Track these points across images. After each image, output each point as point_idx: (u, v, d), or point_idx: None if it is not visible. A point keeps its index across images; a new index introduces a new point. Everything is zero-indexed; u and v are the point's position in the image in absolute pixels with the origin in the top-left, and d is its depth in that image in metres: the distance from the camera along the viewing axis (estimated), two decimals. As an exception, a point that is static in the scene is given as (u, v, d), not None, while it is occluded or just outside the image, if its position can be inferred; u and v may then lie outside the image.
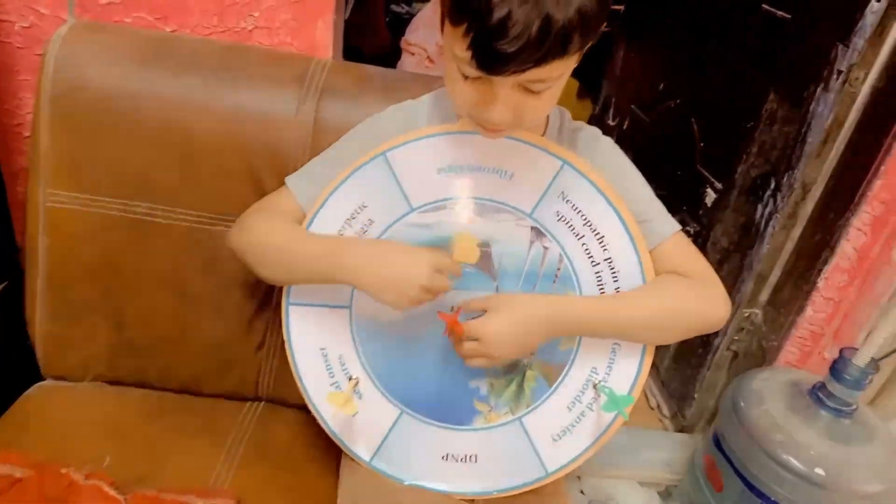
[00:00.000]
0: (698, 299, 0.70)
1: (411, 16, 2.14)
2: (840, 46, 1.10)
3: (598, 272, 0.71)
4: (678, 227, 0.73)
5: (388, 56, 2.09)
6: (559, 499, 0.79)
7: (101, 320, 0.84)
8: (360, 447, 0.74)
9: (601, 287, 0.72)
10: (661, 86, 1.66)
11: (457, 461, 0.74)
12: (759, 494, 1.03)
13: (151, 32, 0.86)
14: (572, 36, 0.53)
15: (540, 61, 0.54)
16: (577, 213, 0.71)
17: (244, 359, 0.87)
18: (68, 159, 0.79)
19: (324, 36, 0.90)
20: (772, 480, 1.01)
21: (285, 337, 0.73)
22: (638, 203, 0.72)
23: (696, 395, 1.45)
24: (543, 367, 0.73)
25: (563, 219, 0.71)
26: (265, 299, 0.84)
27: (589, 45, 0.57)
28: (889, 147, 1.04)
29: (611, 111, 1.92)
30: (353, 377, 0.72)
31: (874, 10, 1.05)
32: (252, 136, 0.79)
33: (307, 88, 0.80)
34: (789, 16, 1.24)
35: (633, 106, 1.81)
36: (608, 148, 0.74)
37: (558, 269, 0.71)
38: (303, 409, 0.76)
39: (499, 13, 0.50)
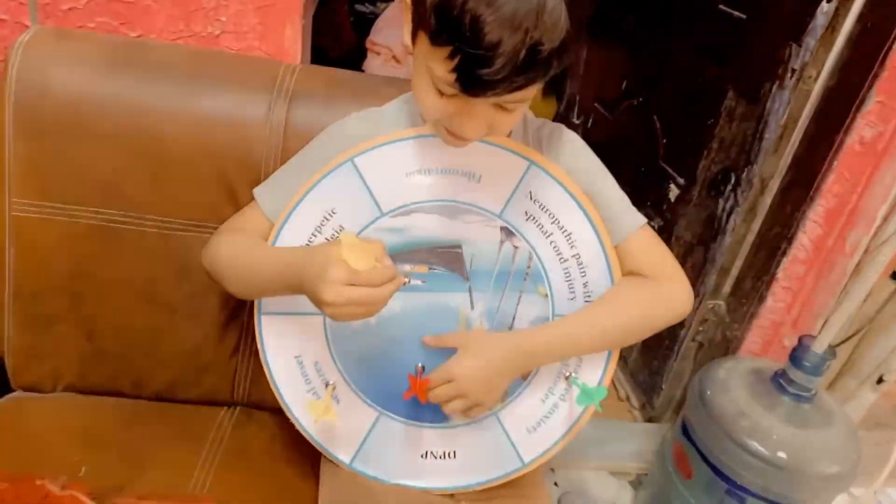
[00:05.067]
0: (659, 302, 0.72)
1: (376, 15, 2.13)
2: (793, 46, 1.14)
3: (566, 268, 0.73)
4: (643, 220, 0.74)
5: (354, 57, 2.09)
6: (537, 490, 0.81)
7: (71, 330, 0.83)
8: (340, 451, 0.75)
9: (570, 282, 0.73)
10: (624, 84, 1.69)
11: (436, 458, 0.75)
12: (726, 479, 1.07)
13: (117, 38, 0.85)
14: (556, 61, 0.54)
15: (523, 86, 0.55)
16: (545, 211, 0.72)
17: (219, 365, 0.87)
18: (34, 167, 0.77)
19: (292, 40, 0.90)
20: (738, 465, 1.04)
21: (259, 347, 0.73)
22: (603, 197, 0.73)
23: (663, 386, 1.49)
24: (517, 363, 0.75)
25: (531, 218, 0.72)
26: (239, 305, 0.84)
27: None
28: (841, 142, 1.08)
29: (575, 109, 1.95)
30: (331, 383, 0.72)
31: (825, 10, 1.09)
32: (222, 141, 0.79)
33: (277, 93, 0.80)
34: (745, 16, 1.28)
35: (596, 104, 1.84)
36: (572, 143, 0.75)
37: (528, 267, 0.73)
38: (279, 412, 0.76)
39: (488, 40, 0.50)
